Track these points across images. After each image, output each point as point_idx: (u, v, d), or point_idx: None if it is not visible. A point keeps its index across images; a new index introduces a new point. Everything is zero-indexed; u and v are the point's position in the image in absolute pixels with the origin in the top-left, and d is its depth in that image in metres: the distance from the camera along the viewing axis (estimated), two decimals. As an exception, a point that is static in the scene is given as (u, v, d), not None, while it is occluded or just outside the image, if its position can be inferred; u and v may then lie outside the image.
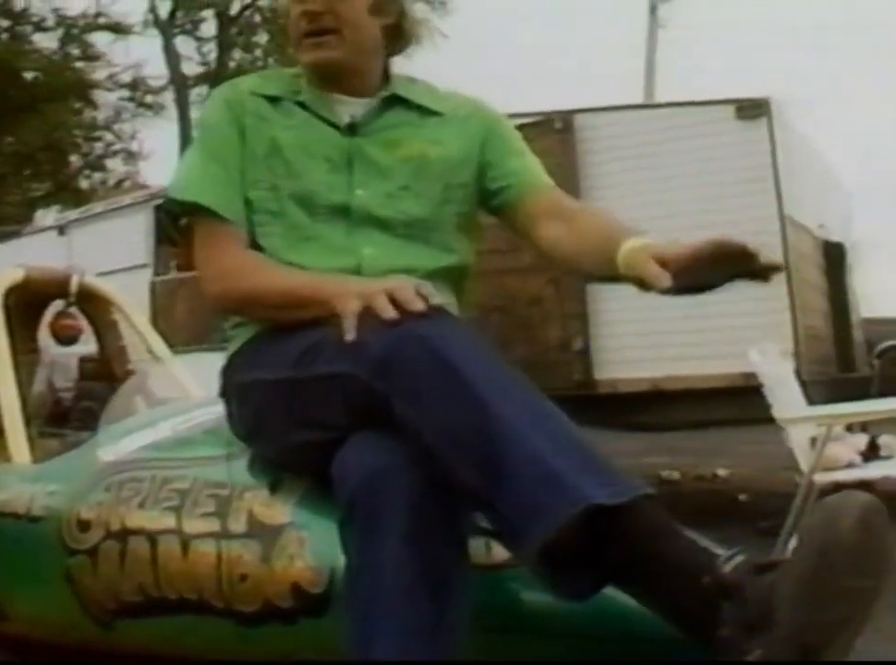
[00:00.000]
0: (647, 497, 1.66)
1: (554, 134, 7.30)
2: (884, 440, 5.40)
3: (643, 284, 1.86)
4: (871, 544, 1.54)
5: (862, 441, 5.39)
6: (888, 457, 5.29)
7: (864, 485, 4.86)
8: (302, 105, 2.26)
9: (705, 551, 1.66)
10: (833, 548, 1.51)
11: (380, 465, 1.72)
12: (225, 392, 2.27)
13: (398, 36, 2.31)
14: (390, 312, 1.75)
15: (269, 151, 2.19)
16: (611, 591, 1.77)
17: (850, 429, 5.68)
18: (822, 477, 4.66)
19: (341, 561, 1.86)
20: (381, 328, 1.75)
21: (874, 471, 4.98)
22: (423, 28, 2.34)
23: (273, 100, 2.26)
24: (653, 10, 21.17)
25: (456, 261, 2.28)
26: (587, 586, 1.71)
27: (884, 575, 1.59)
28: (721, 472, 8.85)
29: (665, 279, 1.78)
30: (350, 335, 1.78)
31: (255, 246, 2.19)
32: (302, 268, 2.12)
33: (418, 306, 1.76)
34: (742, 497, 7.60)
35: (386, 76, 2.33)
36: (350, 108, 2.26)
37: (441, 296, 2.04)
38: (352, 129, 2.23)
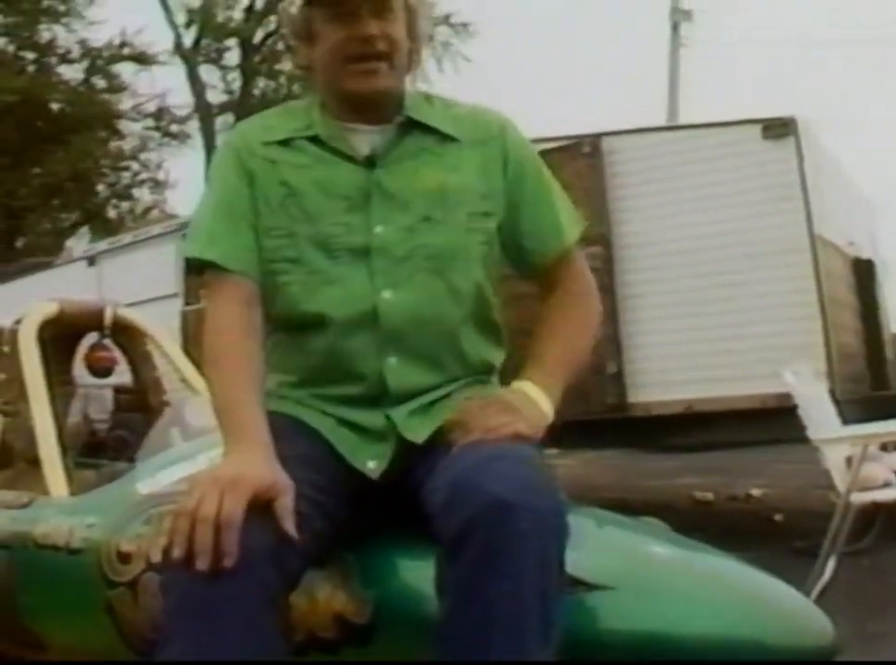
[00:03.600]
0: None
1: (582, 158, 7.29)
2: (920, 458, 5.36)
3: None
4: None
5: (898, 459, 5.35)
6: (924, 476, 5.24)
7: (900, 503, 4.84)
8: (315, 140, 2.19)
9: None
10: None
11: None
12: None
13: (414, 58, 2.24)
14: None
15: (284, 197, 2.14)
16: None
17: (885, 447, 5.63)
18: (859, 497, 4.63)
19: (386, 590, 1.85)
20: None
21: (910, 490, 4.93)
22: (425, 49, 2.29)
23: (284, 142, 2.19)
24: (675, 28, 21.15)
25: (482, 300, 2.22)
26: None
27: None
28: (755, 492, 8.79)
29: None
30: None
31: (275, 292, 2.13)
32: (320, 315, 2.08)
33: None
34: (777, 517, 7.54)
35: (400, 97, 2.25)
36: (367, 137, 2.18)
37: None
38: (370, 161, 2.15)
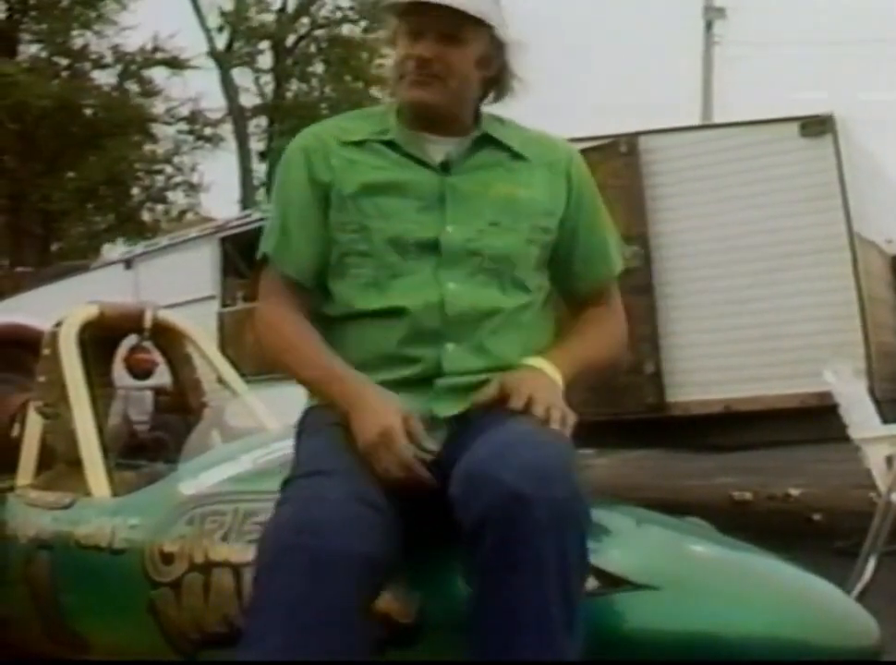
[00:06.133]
0: None
1: (619, 157, 7.27)
2: (961, 456, 5.31)
3: None
4: None
5: (939, 458, 5.30)
6: (966, 474, 5.19)
7: (942, 503, 4.79)
8: (392, 145, 2.29)
9: None
10: None
11: None
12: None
13: (495, 87, 2.35)
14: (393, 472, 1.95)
15: (358, 192, 2.23)
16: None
17: (926, 446, 5.59)
18: (900, 497, 4.60)
19: (432, 591, 1.85)
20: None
21: (952, 489, 4.88)
22: (518, 81, 2.36)
23: (360, 143, 2.29)
24: (709, 27, 21.08)
25: (532, 300, 2.30)
26: None
27: None
28: (793, 492, 8.73)
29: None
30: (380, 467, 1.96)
31: (344, 283, 2.25)
32: (390, 304, 2.17)
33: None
34: (816, 516, 7.49)
35: (476, 117, 2.35)
36: (442, 147, 2.29)
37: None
38: (445, 168, 2.27)
